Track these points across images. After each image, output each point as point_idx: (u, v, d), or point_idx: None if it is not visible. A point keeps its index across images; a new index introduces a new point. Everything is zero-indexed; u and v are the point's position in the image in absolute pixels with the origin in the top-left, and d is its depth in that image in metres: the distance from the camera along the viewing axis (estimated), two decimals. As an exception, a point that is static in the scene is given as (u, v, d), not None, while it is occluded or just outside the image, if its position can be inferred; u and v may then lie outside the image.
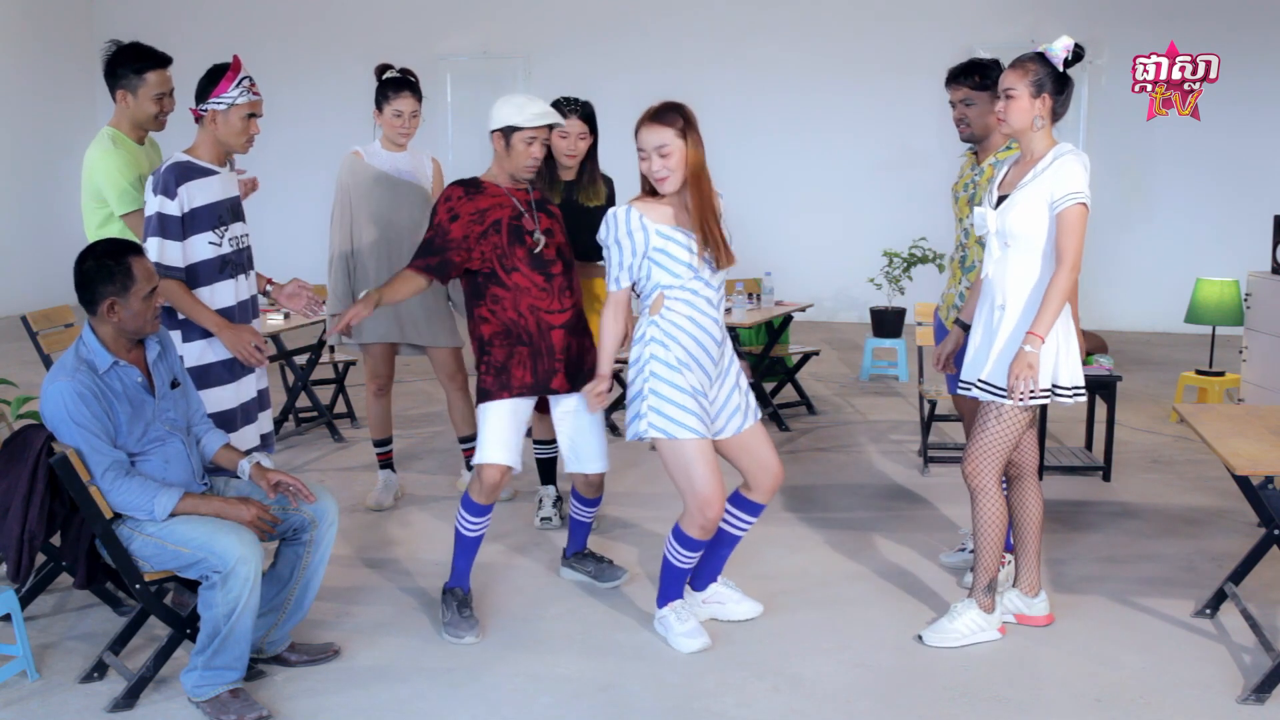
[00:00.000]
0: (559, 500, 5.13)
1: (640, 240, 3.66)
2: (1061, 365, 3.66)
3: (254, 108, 3.96)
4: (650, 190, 3.72)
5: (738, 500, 3.95)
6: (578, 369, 4.06)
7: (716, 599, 4.06)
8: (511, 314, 3.97)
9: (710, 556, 4.03)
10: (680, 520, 3.77)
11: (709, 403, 3.75)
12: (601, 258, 4.87)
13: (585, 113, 4.73)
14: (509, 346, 3.98)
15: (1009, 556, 4.25)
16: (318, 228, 7.51)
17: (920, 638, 3.87)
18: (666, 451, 3.69)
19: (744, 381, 3.89)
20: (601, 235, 3.76)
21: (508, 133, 3.96)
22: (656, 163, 3.62)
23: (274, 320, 6.26)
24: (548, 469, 5.10)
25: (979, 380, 3.75)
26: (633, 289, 3.79)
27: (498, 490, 3.97)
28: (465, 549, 4.04)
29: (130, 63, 4.18)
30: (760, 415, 3.93)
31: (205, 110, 3.92)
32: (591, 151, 4.80)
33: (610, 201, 4.91)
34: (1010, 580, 4.17)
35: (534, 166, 4.01)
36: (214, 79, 3.90)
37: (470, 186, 4.03)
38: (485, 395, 3.98)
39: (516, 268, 3.97)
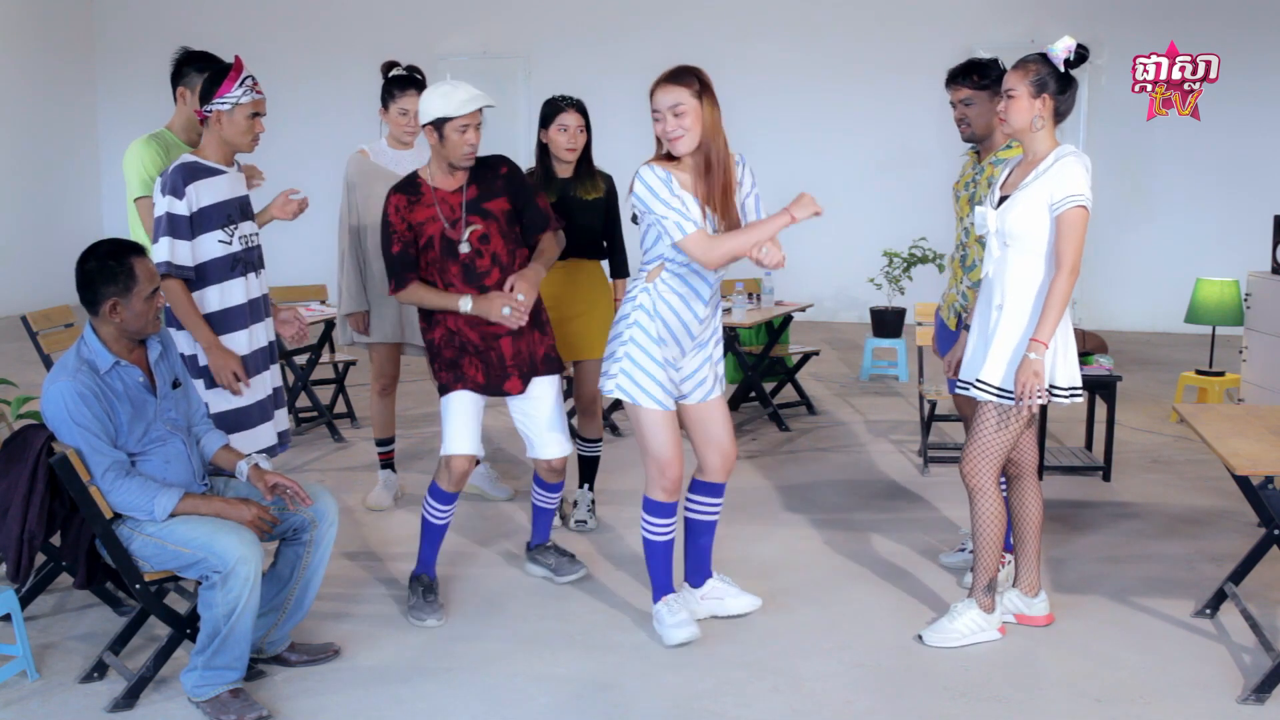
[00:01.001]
0: (593, 504, 5.10)
1: (673, 189, 3.59)
2: (1059, 366, 3.66)
3: (257, 106, 4.00)
4: (665, 156, 3.67)
5: (695, 486, 3.99)
6: (531, 366, 4.10)
7: (715, 595, 4.07)
8: (452, 326, 4.04)
9: (694, 549, 4.06)
10: (646, 489, 3.84)
11: (676, 372, 3.81)
12: (598, 255, 4.88)
13: (581, 107, 4.72)
14: (456, 351, 4.06)
15: (1009, 556, 4.25)
16: (320, 227, 7.52)
17: (920, 637, 3.87)
18: (632, 414, 3.79)
19: (718, 354, 3.92)
20: (642, 197, 3.60)
21: (439, 124, 3.94)
22: (670, 122, 3.57)
23: (274, 320, 6.26)
24: (588, 469, 5.08)
25: (976, 380, 3.75)
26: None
27: (465, 479, 4.06)
28: (432, 537, 4.14)
29: (196, 63, 4.34)
30: (723, 392, 3.95)
31: (210, 111, 3.95)
32: (586, 148, 4.80)
33: (611, 197, 4.88)
34: (1010, 580, 4.17)
35: (471, 154, 3.99)
36: (217, 80, 3.94)
37: (410, 192, 4.04)
38: (444, 389, 4.08)
39: (451, 283, 4.02)
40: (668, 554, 3.90)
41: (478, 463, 4.48)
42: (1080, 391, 3.71)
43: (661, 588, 3.91)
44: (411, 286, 4.03)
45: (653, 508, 3.84)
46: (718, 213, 3.66)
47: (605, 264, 4.96)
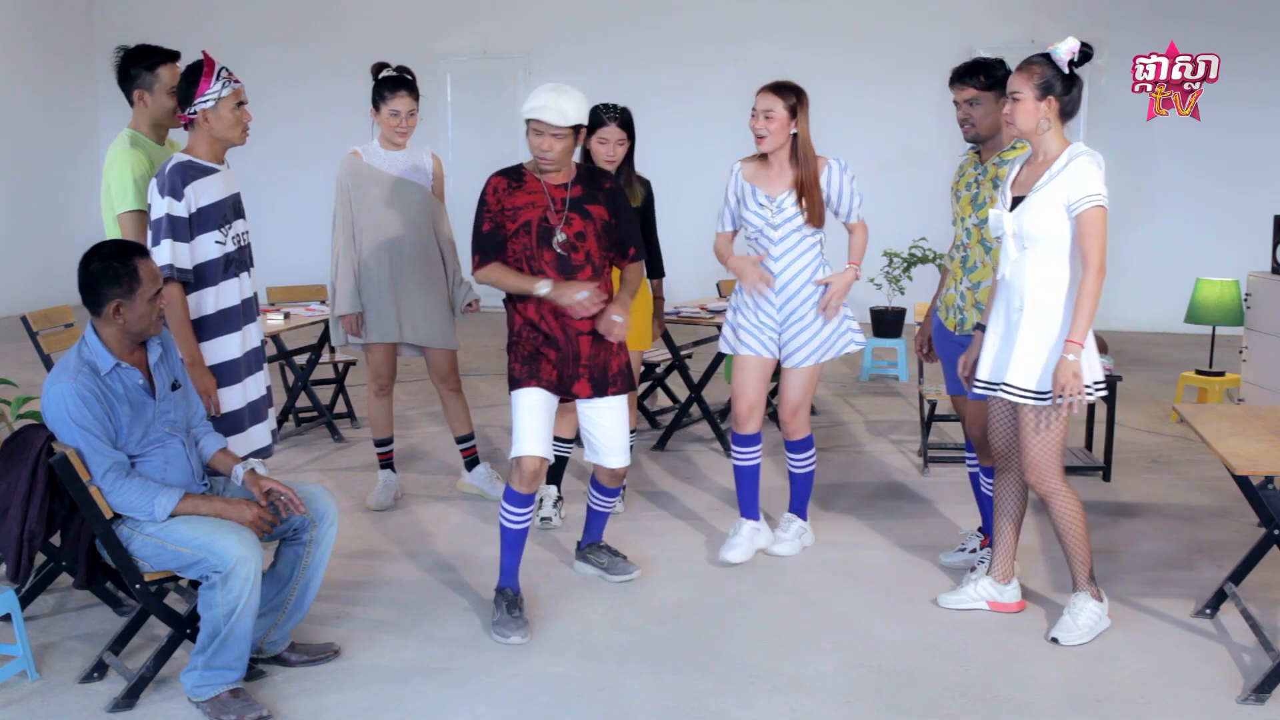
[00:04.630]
0: (559, 500, 5.13)
1: (732, 188, 4.53)
2: (1083, 363, 3.66)
3: (240, 95, 3.97)
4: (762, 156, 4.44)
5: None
6: (604, 375, 4.08)
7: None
8: (534, 315, 4.00)
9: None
10: (804, 434, 4.60)
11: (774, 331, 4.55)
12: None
13: (624, 119, 4.82)
14: (536, 343, 4.03)
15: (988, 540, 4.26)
16: (318, 227, 7.54)
17: (1055, 640, 3.84)
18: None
19: (818, 325, 4.52)
20: None
21: (527, 122, 3.97)
22: (760, 122, 4.32)
23: (274, 320, 6.26)
24: (555, 468, 5.10)
25: (1005, 383, 3.74)
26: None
27: (538, 479, 4.00)
28: (510, 544, 4.06)
29: (141, 61, 4.23)
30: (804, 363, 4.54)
31: (195, 113, 3.92)
32: (628, 155, 4.88)
33: (649, 202, 4.99)
34: (986, 568, 4.19)
35: (543, 160, 3.94)
36: (193, 80, 3.91)
37: (513, 178, 4.04)
38: (515, 383, 4.04)
39: (542, 271, 3.99)
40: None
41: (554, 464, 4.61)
42: (1103, 385, 3.73)
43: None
44: (492, 266, 4.01)
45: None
46: (802, 199, 4.37)
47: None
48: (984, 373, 3.84)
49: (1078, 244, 3.60)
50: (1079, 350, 3.58)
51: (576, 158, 4.27)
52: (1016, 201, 3.71)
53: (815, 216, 4.38)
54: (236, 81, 3.97)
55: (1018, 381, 3.70)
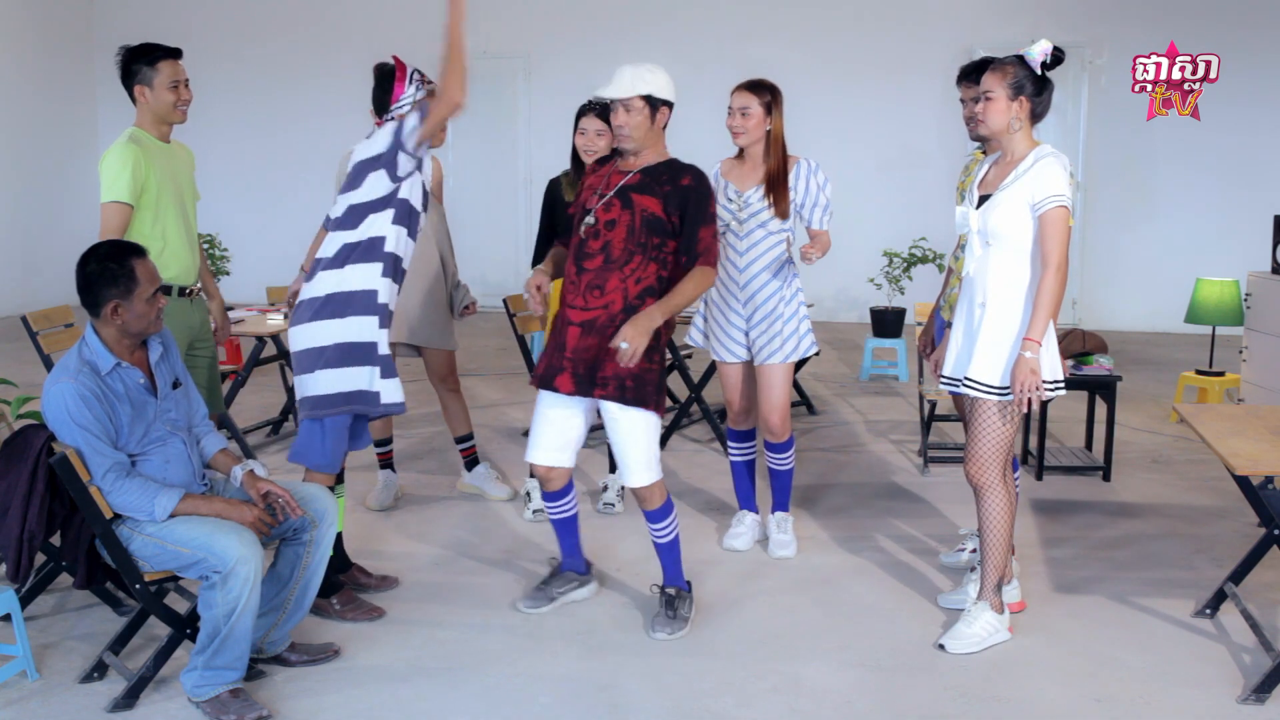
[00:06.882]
0: (624, 489, 5.17)
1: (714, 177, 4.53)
2: (1041, 360, 3.68)
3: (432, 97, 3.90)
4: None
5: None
6: (591, 374, 3.81)
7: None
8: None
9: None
10: (786, 435, 4.67)
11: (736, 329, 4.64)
12: None
13: (606, 113, 4.78)
14: (550, 335, 4.04)
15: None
16: (317, 227, 7.52)
17: (942, 646, 3.82)
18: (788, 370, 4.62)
19: (778, 323, 4.64)
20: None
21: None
22: (736, 120, 4.36)
23: (274, 320, 6.27)
24: None
25: (966, 378, 3.77)
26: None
27: (553, 482, 4.04)
28: (559, 530, 4.19)
29: (142, 57, 4.22)
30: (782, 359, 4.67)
31: (392, 118, 3.86)
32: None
33: None
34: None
35: (619, 136, 3.85)
36: (388, 86, 3.83)
37: (603, 162, 4.07)
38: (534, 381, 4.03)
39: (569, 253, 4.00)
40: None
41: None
42: (1061, 385, 3.74)
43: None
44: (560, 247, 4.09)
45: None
46: (770, 196, 4.41)
47: None
48: (948, 368, 3.89)
49: (1039, 243, 3.63)
50: (1036, 348, 3.60)
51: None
52: (984, 200, 3.75)
53: (782, 210, 4.42)
54: (429, 83, 3.88)
55: (979, 376, 3.73)
